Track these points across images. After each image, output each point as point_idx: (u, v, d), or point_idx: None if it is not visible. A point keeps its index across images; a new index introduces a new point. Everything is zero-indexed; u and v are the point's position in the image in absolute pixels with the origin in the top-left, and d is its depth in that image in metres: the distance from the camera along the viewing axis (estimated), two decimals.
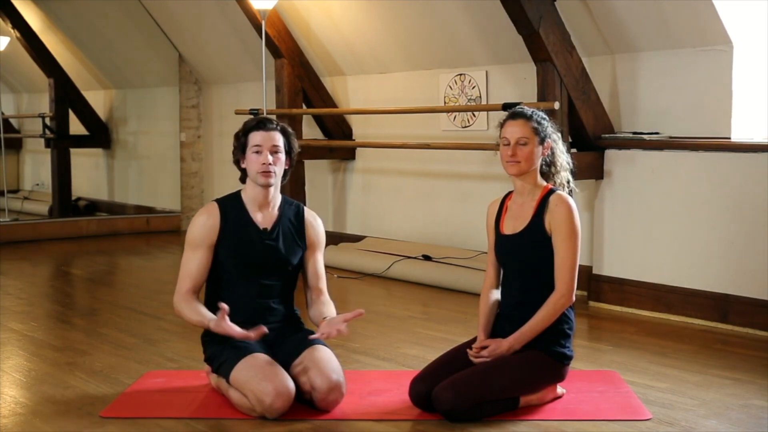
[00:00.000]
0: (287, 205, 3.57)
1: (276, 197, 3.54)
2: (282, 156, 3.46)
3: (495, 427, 3.17)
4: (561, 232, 3.30)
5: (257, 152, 3.42)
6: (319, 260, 3.61)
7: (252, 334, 3.26)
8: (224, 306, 3.26)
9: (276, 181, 3.47)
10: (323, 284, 3.61)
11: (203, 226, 3.46)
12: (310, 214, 3.62)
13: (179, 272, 3.50)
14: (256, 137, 3.43)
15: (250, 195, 3.50)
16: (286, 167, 3.51)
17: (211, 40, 8.37)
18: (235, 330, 3.27)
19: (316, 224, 3.61)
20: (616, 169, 5.22)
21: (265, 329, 3.28)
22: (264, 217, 3.51)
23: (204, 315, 3.38)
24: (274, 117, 3.72)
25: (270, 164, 3.41)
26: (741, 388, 3.67)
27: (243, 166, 3.49)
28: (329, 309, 3.51)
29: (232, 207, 3.50)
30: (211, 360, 3.48)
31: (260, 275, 3.48)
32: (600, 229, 5.33)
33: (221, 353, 3.38)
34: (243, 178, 3.54)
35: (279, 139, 3.45)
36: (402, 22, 6.42)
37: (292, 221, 3.55)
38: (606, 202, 5.29)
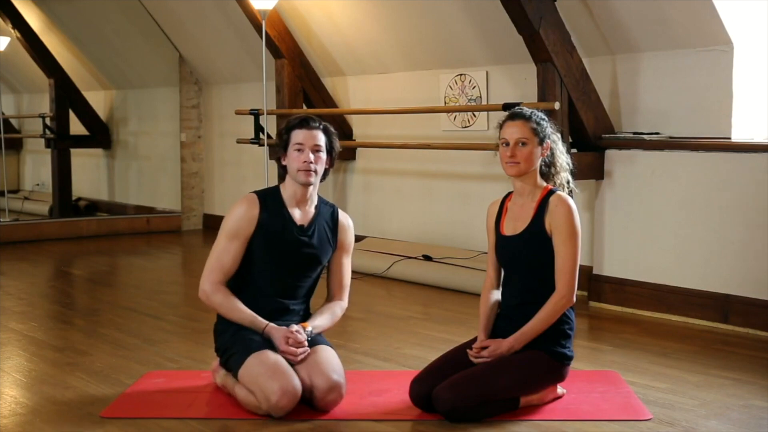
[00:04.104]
0: (323, 205, 3.61)
1: (314, 195, 3.56)
2: (323, 155, 3.48)
3: (495, 428, 3.17)
4: (561, 233, 3.30)
5: (299, 150, 3.44)
6: (344, 263, 3.63)
7: (291, 352, 3.32)
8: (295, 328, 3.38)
9: (316, 180, 3.48)
10: (343, 287, 3.63)
11: (243, 217, 3.46)
12: (344, 217, 3.64)
13: (209, 259, 3.48)
14: (298, 135, 3.45)
15: (289, 191, 3.52)
16: (327, 166, 3.52)
17: (212, 41, 8.37)
18: (282, 344, 3.33)
19: (349, 228, 3.64)
20: (617, 170, 5.22)
21: (298, 358, 3.34)
22: (302, 214, 3.52)
23: (255, 315, 3.41)
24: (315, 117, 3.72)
25: (311, 163, 3.43)
26: (741, 388, 3.67)
27: (284, 162, 3.51)
28: (321, 318, 3.53)
29: (271, 201, 3.51)
30: (220, 351, 3.49)
31: (289, 270, 3.49)
32: (600, 229, 5.33)
33: (232, 346, 3.40)
34: (283, 175, 3.56)
35: (321, 139, 3.47)
36: (402, 22, 6.42)
37: (328, 222, 3.58)
38: (606, 202, 5.29)
